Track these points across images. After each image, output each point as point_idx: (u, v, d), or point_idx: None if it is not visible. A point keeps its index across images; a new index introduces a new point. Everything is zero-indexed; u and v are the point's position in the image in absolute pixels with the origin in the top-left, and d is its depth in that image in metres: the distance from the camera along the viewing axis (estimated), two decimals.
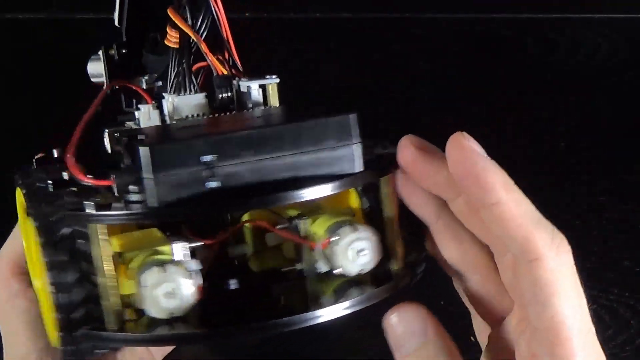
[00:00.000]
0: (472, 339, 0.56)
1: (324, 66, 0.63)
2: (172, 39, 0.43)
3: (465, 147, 0.35)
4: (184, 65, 0.42)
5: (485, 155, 0.35)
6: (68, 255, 0.36)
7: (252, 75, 0.43)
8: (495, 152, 0.55)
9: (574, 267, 0.34)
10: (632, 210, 0.60)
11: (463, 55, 0.65)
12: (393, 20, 0.67)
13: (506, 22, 0.67)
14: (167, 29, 0.43)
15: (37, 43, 0.65)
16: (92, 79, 0.48)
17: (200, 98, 0.42)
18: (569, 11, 0.67)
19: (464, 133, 0.35)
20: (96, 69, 0.47)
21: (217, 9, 0.42)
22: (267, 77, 0.43)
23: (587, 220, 0.60)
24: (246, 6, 0.67)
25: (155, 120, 0.41)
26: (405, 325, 0.35)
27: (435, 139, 0.38)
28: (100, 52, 0.47)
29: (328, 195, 0.36)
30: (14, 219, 0.43)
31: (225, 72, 0.43)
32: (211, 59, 0.43)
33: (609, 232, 0.59)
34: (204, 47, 0.42)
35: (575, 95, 0.64)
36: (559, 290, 0.33)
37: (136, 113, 0.42)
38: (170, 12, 0.42)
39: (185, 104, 0.42)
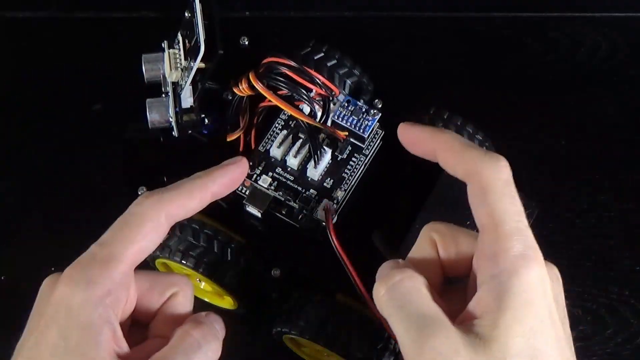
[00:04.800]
0: None
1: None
2: (244, 92, 0.51)
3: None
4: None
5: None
6: None
7: None
8: (495, 151, 0.55)
9: (508, 176, 0.40)
10: (632, 210, 0.60)
11: (463, 55, 0.65)
12: (393, 20, 0.67)
13: (506, 22, 0.67)
14: (242, 83, 0.50)
15: (37, 43, 0.65)
16: None
17: None
18: (569, 10, 0.67)
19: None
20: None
21: None
22: None
23: (587, 220, 0.60)
24: (246, 6, 0.67)
25: None
26: None
27: None
28: None
29: None
30: None
31: None
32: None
33: (609, 232, 0.59)
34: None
35: (575, 94, 0.64)
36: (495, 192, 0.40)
37: None
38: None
39: None
